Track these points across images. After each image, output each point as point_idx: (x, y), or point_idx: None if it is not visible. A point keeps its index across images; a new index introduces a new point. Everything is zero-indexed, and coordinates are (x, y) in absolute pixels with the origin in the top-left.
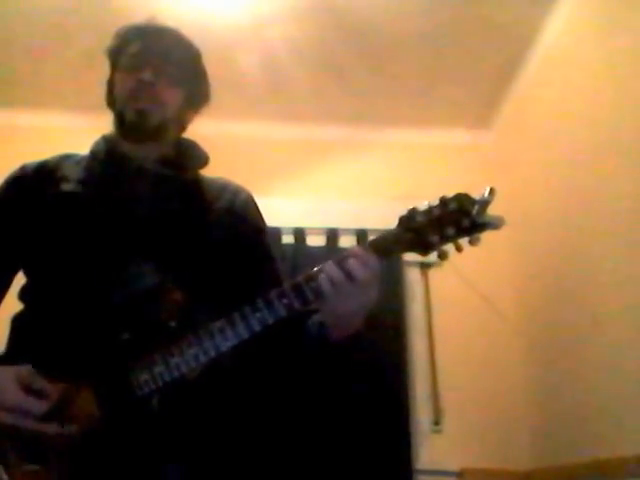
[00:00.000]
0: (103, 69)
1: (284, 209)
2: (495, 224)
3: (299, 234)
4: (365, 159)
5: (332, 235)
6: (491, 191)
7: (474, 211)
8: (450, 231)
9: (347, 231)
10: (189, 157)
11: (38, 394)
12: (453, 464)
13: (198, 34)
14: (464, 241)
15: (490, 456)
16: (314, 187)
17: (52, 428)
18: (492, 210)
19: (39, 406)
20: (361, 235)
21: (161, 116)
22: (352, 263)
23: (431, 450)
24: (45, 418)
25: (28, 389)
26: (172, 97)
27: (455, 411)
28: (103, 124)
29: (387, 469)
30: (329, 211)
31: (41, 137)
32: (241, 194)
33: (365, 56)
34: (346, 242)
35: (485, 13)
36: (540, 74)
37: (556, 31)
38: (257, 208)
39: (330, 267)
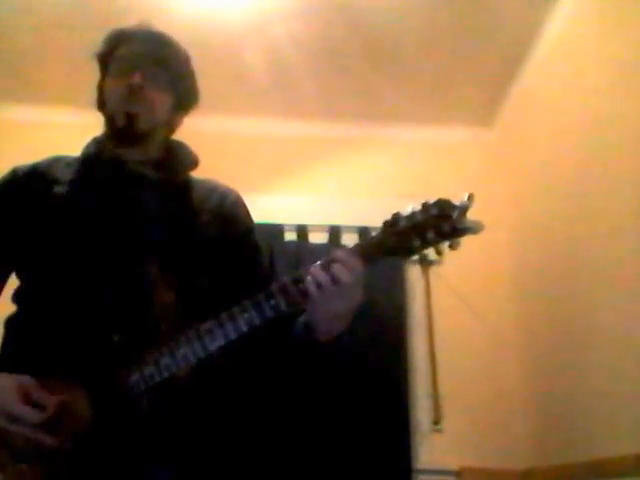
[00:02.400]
0: None
1: (287, 206)
2: (474, 229)
3: (302, 231)
4: (368, 156)
5: (334, 232)
6: (470, 197)
7: (454, 216)
8: (431, 235)
9: (349, 228)
10: (179, 159)
11: (36, 404)
12: (453, 463)
13: (204, 30)
14: (444, 245)
15: (489, 455)
16: (317, 184)
17: (46, 438)
18: (497, 202)
19: (35, 416)
20: (363, 233)
21: (151, 120)
22: (338, 268)
23: (431, 449)
24: (40, 427)
25: (27, 399)
26: (161, 100)
27: (455, 411)
28: None
29: (387, 468)
30: (332, 208)
31: (45, 133)
32: (230, 195)
33: (369, 54)
34: (348, 240)
35: (488, 12)
36: (543, 72)
37: (558, 29)
38: (246, 208)
39: (316, 271)
